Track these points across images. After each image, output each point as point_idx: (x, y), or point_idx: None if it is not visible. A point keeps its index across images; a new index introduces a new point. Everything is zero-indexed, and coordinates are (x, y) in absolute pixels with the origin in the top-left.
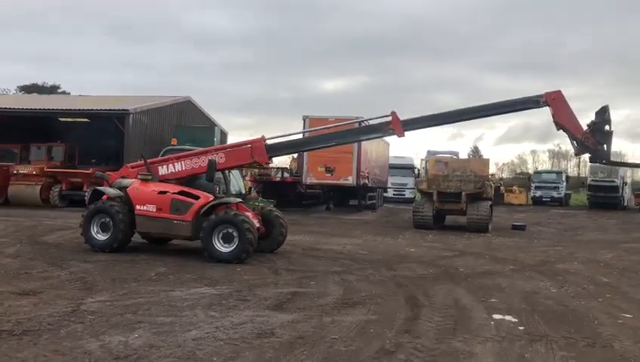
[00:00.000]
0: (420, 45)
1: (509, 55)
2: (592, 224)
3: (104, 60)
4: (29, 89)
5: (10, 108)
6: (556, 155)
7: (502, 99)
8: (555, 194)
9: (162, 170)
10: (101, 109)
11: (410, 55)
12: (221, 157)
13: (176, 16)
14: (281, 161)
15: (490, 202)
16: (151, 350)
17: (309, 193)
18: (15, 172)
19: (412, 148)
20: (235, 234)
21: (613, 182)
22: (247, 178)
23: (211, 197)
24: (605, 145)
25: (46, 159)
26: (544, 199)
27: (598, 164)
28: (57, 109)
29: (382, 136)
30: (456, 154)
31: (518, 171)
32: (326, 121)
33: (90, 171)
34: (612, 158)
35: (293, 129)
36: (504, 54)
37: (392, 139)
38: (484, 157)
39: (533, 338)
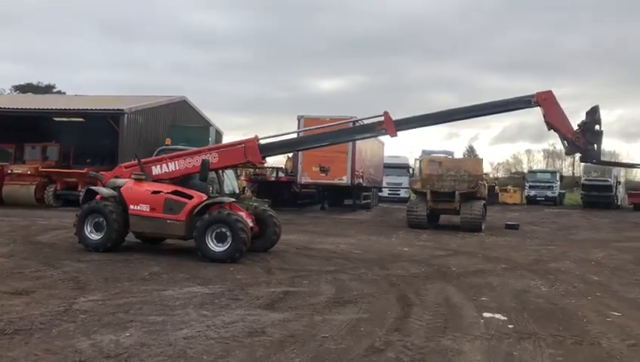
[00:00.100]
0: (417, 45)
1: (506, 55)
2: (585, 223)
3: (100, 60)
4: (23, 89)
5: (4, 108)
6: (551, 155)
7: (493, 99)
8: (549, 193)
9: (156, 170)
10: (96, 109)
11: (407, 55)
12: (214, 157)
13: (173, 16)
14: (277, 161)
15: (484, 201)
16: (142, 348)
17: (304, 193)
18: (9, 172)
19: (407, 147)
20: (228, 233)
21: (607, 181)
22: (242, 177)
23: (205, 197)
24: (596, 145)
25: (41, 159)
26: (538, 198)
27: (591, 164)
28: (52, 109)
29: (375, 136)
30: (451, 153)
31: (513, 171)
32: (321, 121)
33: (84, 171)
34: (606, 158)
35: (289, 129)
36: (500, 54)
37: (387, 139)
38: (479, 156)
39: (522, 336)
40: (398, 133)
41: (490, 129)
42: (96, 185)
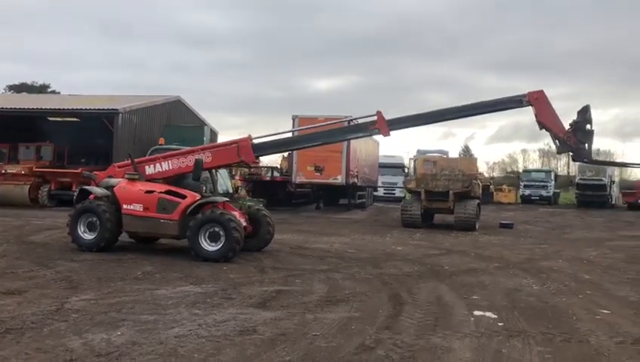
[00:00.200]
0: (413, 45)
1: (502, 55)
2: (579, 222)
3: (97, 60)
4: (18, 88)
5: None
6: (546, 154)
7: (485, 99)
8: (543, 192)
9: (149, 170)
10: (90, 109)
11: (404, 54)
12: (208, 157)
13: (169, 16)
14: (273, 161)
15: (478, 201)
16: (133, 347)
17: (299, 192)
18: (3, 172)
19: (403, 147)
20: (221, 233)
21: (601, 180)
22: (237, 177)
23: (198, 197)
24: (587, 145)
25: (35, 159)
26: (533, 198)
27: (585, 163)
28: (46, 109)
29: (368, 136)
30: (446, 153)
31: (509, 170)
32: (315, 121)
33: (79, 171)
34: (601, 157)
35: (285, 129)
36: (497, 54)
37: (382, 139)
38: (475, 156)
39: (512, 334)
40: (391, 132)
41: (485, 128)
42: (89, 185)
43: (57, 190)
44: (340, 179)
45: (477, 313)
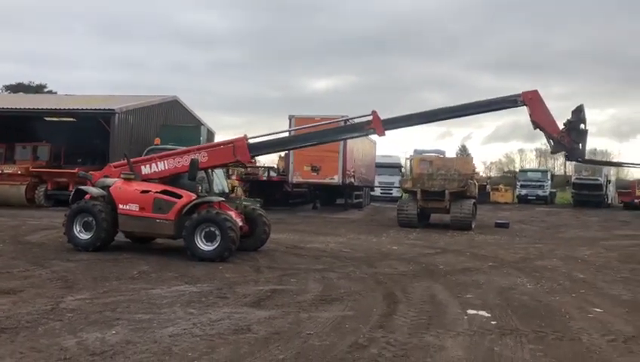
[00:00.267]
0: (411, 45)
1: (498, 54)
2: (574, 222)
3: (94, 60)
4: (15, 88)
5: None
6: (543, 154)
7: (480, 99)
8: (540, 192)
9: (145, 170)
10: (86, 109)
11: (401, 54)
12: (204, 157)
13: (166, 16)
14: (271, 160)
15: (474, 200)
16: (127, 346)
17: (296, 192)
18: (0, 172)
19: (400, 147)
20: (217, 232)
21: (597, 180)
22: (234, 177)
23: (194, 196)
24: (581, 144)
25: (31, 159)
26: (529, 197)
27: (579, 163)
28: (43, 109)
29: (363, 135)
30: (443, 153)
31: (506, 170)
32: (312, 120)
33: (75, 171)
34: (598, 157)
35: (282, 129)
36: (493, 54)
37: (379, 139)
38: (472, 156)
39: (504, 332)
40: (386, 132)
41: (483, 128)
42: (85, 185)
43: (54, 190)
44: (336, 179)
45: (470, 311)
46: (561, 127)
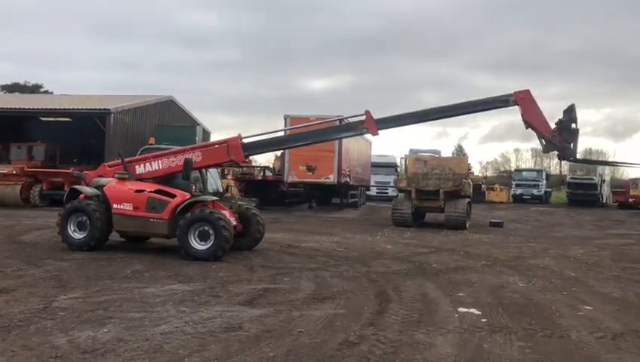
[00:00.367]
0: (408, 44)
1: (497, 54)
2: (568, 221)
3: (91, 59)
4: (10, 88)
5: None
6: (539, 154)
7: (472, 98)
8: (535, 191)
9: (139, 169)
10: (82, 109)
11: (399, 54)
12: (198, 156)
13: (164, 16)
14: (267, 160)
15: (468, 200)
16: (119, 344)
17: (292, 191)
18: None
19: (397, 147)
20: (211, 231)
21: (592, 179)
22: (229, 176)
23: (188, 196)
24: (572, 143)
25: (26, 159)
26: (524, 197)
27: (570, 162)
28: (38, 109)
29: (357, 135)
30: (438, 152)
31: (502, 169)
32: (307, 120)
33: (70, 171)
34: (594, 157)
35: (279, 129)
36: (491, 53)
37: (375, 138)
38: (468, 155)
39: (494, 330)
40: (380, 131)
41: (479, 128)
42: (80, 185)
43: (49, 190)
44: (331, 179)
45: (461, 309)
46: (552, 126)
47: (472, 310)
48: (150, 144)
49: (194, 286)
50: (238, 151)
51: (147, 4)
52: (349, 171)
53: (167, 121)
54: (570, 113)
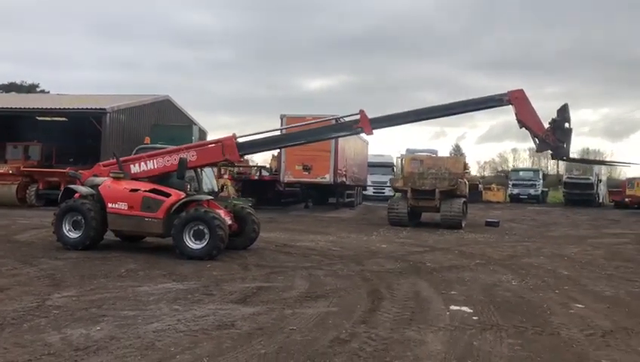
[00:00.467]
0: (406, 44)
1: (493, 54)
2: (564, 220)
3: (89, 59)
4: (7, 88)
5: None
6: (536, 153)
7: (466, 98)
8: (532, 191)
9: (134, 168)
10: (78, 108)
11: (397, 54)
12: (192, 156)
13: (162, 15)
14: (264, 160)
15: (464, 199)
16: (111, 341)
17: (288, 191)
18: None
19: (394, 146)
20: (205, 231)
21: (588, 179)
22: (226, 176)
23: (182, 195)
24: (565, 143)
25: (23, 158)
26: (521, 196)
27: (563, 161)
28: (34, 108)
29: (351, 134)
30: (435, 152)
31: (499, 169)
32: (303, 120)
33: (67, 170)
34: (591, 157)
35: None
36: (487, 53)
37: (373, 138)
38: (465, 155)
39: (485, 327)
40: (374, 131)
41: (477, 128)
42: (75, 184)
43: (45, 190)
44: (327, 178)
45: (453, 307)
46: (546, 126)
47: (464, 308)
48: (145, 143)
49: (188, 285)
50: (232, 150)
51: (147, 4)
52: (345, 171)
53: (164, 121)
54: (563, 113)
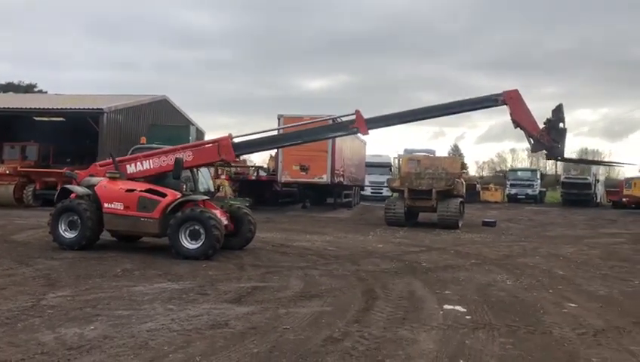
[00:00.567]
0: (404, 44)
1: (492, 54)
2: (561, 220)
3: (86, 60)
4: (4, 88)
5: None
6: (535, 153)
7: (461, 98)
8: (529, 191)
9: (130, 169)
10: (75, 108)
11: (394, 54)
12: (188, 156)
13: (160, 16)
14: (262, 160)
15: (461, 199)
16: (104, 340)
17: (285, 191)
18: None
19: (393, 146)
20: (201, 231)
21: (586, 179)
22: (223, 176)
23: (178, 195)
24: (560, 143)
25: (20, 158)
26: (519, 196)
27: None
28: (32, 108)
29: (347, 134)
30: (433, 152)
31: (498, 169)
32: (300, 120)
33: (64, 170)
34: (590, 157)
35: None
36: (487, 53)
37: (371, 138)
38: (463, 155)
39: (477, 326)
40: (370, 131)
41: (476, 128)
42: (71, 184)
43: (42, 190)
44: (325, 178)
45: (447, 307)
46: (541, 126)
47: (458, 307)
48: (141, 143)
49: (183, 285)
50: (228, 150)
51: (145, 4)
52: (342, 171)
53: (161, 121)
54: (558, 113)
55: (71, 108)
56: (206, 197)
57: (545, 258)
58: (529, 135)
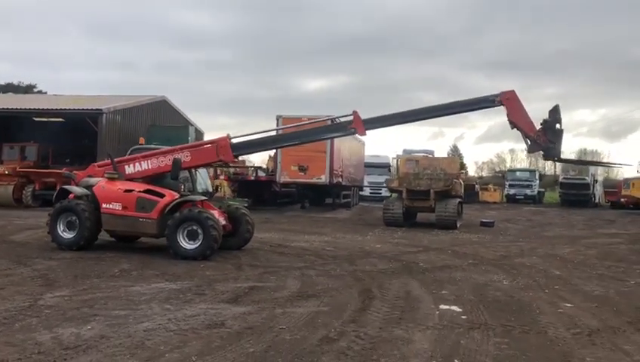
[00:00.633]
0: (403, 45)
1: (491, 54)
2: (560, 221)
3: (86, 60)
4: (4, 88)
5: None
6: (534, 154)
7: (459, 99)
8: (528, 191)
9: (129, 169)
10: (74, 109)
11: (394, 54)
12: (187, 156)
13: (160, 16)
14: (261, 160)
15: (459, 199)
16: (101, 340)
17: (284, 192)
18: None
19: (392, 147)
20: (199, 231)
21: (584, 179)
22: (222, 177)
23: (177, 195)
24: (556, 143)
25: (19, 159)
26: (518, 197)
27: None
28: (31, 109)
29: (345, 135)
30: (431, 152)
31: (497, 170)
32: (299, 120)
33: (63, 171)
34: (589, 158)
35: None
36: (486, 54)
37: (370, 139)
38: (462, 155)
39: (473, 326)
40: (367, 131)
41: (475, 128)
42: (69, 185)
43: (41, 190)
44: (323, 179)
45: (443, 307)
46: (537, 127)
47: (454, 307)
48: (140, 144)
49: (180, 285)
50: (226, 151)
51: (145, 4)
52: (341, 171)
53: (160, 121)
54: (554, 114)
55: (70, 109)
56: (204, 198)
57: (542, 258)
58: (525, 136)
